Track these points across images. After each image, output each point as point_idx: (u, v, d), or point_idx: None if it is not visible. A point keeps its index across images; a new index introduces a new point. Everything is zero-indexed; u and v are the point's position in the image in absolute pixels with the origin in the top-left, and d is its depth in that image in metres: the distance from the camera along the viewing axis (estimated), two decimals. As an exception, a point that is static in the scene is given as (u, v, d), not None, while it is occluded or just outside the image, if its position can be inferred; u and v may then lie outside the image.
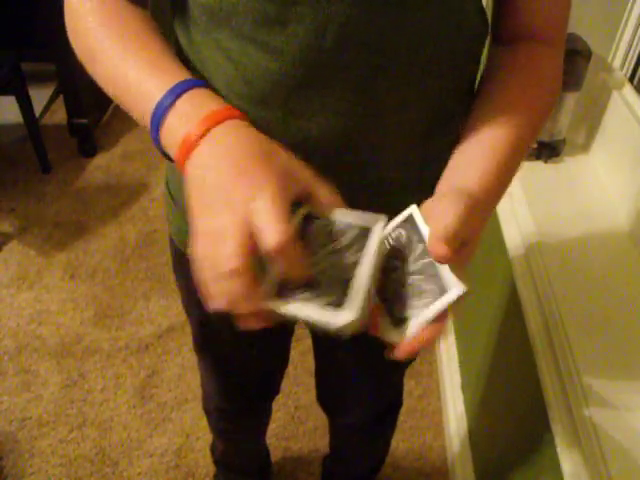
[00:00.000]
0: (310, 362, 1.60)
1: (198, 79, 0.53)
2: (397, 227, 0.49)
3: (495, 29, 0.64)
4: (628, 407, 0.71)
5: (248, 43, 0.54)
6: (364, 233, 0.47)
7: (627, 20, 1.00)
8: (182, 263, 0.83)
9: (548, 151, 1.05)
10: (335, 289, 0.45)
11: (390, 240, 0.49)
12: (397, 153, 0.61)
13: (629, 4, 0.98)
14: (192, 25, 0.58)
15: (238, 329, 0.95)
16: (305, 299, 0.45)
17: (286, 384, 1.63)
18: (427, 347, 0.47)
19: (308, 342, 0.98)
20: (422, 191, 0.56)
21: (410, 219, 0.49)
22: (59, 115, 2.60)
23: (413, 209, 0.49)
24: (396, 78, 0.55)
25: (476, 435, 1.39)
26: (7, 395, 1.61)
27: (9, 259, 1.99)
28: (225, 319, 0.87)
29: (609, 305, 0.82)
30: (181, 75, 0.52)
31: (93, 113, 2.42)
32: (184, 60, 0.60)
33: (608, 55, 1.04)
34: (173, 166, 0.74)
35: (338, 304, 0.44)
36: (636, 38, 1.00)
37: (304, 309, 0.44)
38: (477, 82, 0.65)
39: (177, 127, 0.49)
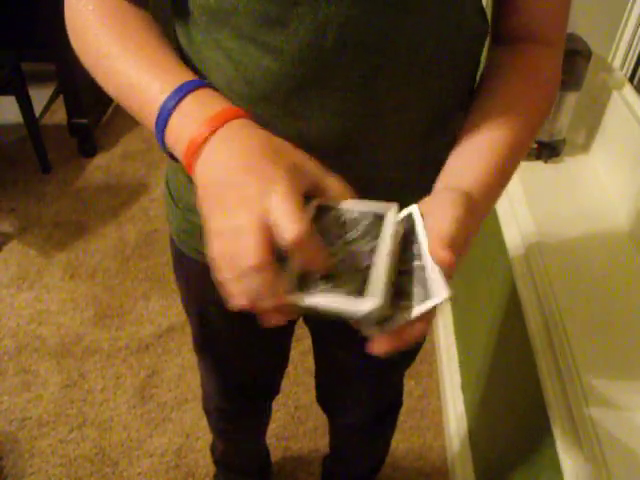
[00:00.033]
0: (310, 362, 1.60)
1: (202, 79, 0.53)
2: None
3: (494, 29, 0.64)
4: (628, 407, 0.71)
5: (248, 43, 0.54)
6: (378, 220, 0.47)
7: (627, 20, 1.00)
8: (182, 263, 0.83)
9: (548, 151, 1.05)
10: (354, 278, 0.45)
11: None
12: (397, 153, 0.61)
13: (629, 4, 0.98)
14: (192, 25, 0.58)
15: (239, 330, 0.94)
16: (326, 290, 0.45)
17: (286, 384, 1.63)
18: (407, 346, 0.46)
19: (308, 342, 0.98)
20: (422, 191, 0.56)
21: (409, 218, 0.49)
22: (59, 115, 2.60)
23: (414, 209, 0.49)
24: (396, 78, 0.55)
25: (476, 435, 1.39)
26: (7, 395, 1.61)
27: (9, 259, 1.99)
28: (225, 319, 0.87)
29: (609, 305, 0.82)
30: (185, 75, 0.52)
31: (93, 113, 2.42)
32: (184, 60, 0.60)
33: (608, 55, 1.04)
34: (173, 166, 0.74)
35: (360, 292, 0.44)
36: (636, 38, 1.00)
37: (328, 300, 0.44)
38: (477, 82, 0.65)
39: (183, 128, 0.49)
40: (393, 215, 0.48)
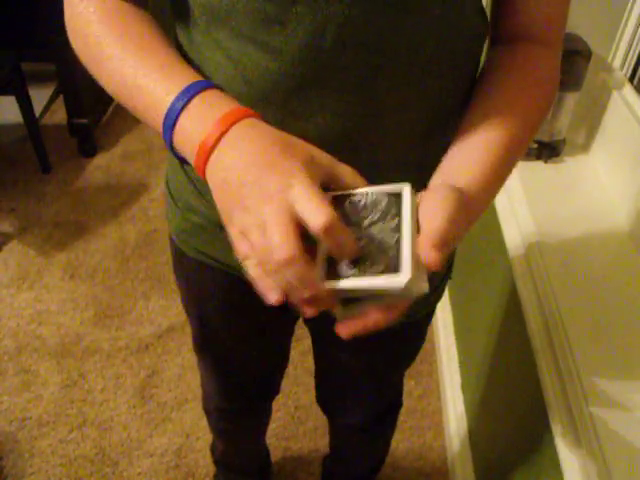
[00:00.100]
0: (310, 362, 1.60)
1: (208, 80, 0.53)
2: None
3: (493, 29, 0.64)
4: (628, 407, 0.71)
5: (248, 43, 0.54)
6: (395, 199, 0.48)
7: (627, 20, 1.00)
8: (182, 263, 0.83)
9: (548, 151, 1.05)
10: (382, 258, 0.46)
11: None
12: (397, 153, 0.61)
13: (629, 4, 0.98)
14: (192, 25, 0.58)
15: (239, 330, 0.94)
16: (358, 274, 0.46)
17: (286, 384, 1.63)
18: (366, 332, 0.47)
19: (308, 342, 0.98)
20: (422, 191, 0.56)
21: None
22: (59, 115, 2.60)
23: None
24: (396, 78, 0.55)
25: (476, 435, 1.39)
26: (7, 395, 1.61)
27: (9, 259, 1.99)
28: (224, 319, 0.87)
29: (609, 305, 0.82)
30: (191, 76, 0.52)
31: (93, 113, 2.42)
32: (184, 60, 0.60)
33: (608, 55, 1.04)
34: (174, 166, 0.74)
35: (392, 270, 0.45)
36: (636, 38, 1.00)
37: (364, 281, 0.45)
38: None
39: (192, 130, 0.49)
40: (409, 191, 0.49)
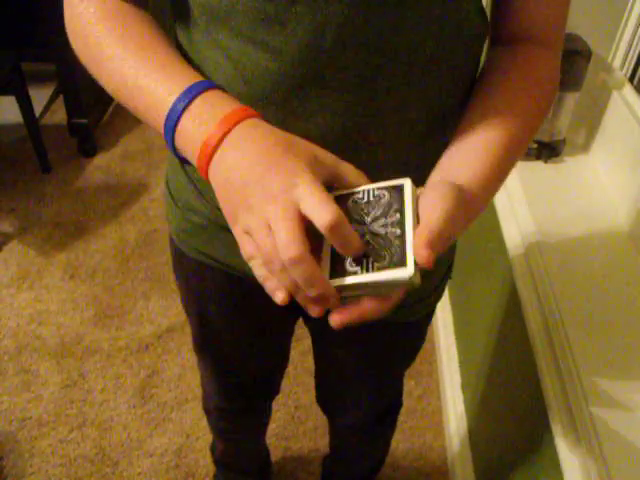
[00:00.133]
0: (310, 362, 1.60)
1: (210, 80, 0.53)
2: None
3: (493, 30, 0.64)
4: (628, 407, 0.71)
5: (247, 43, 0.54)
6: (397, 194, 0.49)
7: (627, 20, 1.00)
8: (182, 263, 0.83)
9: (548, 151, 1.05)
10: (386, 253, 0.46)
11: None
12: (396, 153, 0.61)
13: (629, 4, 0.98)
14: (192, 25, 0.58)
15: (239, 329, 0.94)
16: (364, 269, 0.46)
17: (286, 384, 1.63)
18: (360, 322, 0.48)
19: (308, 342, 0.98)
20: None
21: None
22: (59, 115, 2.60)
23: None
24: (396, 78, 0.55)
25: (476, 435, 1.39)
26: (7, 395, 1.61)
27: (9, 259, 1.99)
28: (224, 319, 0.87)
29: (609, 305, 0.82)
30: (192, 77, 0.52)
31: (93, 113, 2.42)
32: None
33: (608, 55, 1.04)
34: (174, 166, 0.74)
35: (397, 264, 0.45)
36: (636, 38, 1.00)
37: (370, 276, 0.46)
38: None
39: (194, 131, 0.49)
40: (410, 184, 0.49)
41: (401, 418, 1.19)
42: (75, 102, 2.30)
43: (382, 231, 0.47)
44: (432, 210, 0.47)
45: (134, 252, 2.03)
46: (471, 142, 0.56)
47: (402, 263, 0.45)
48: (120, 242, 2.07)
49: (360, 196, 0.50)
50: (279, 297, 0.47)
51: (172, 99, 0.50)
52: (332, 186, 0.50)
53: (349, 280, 0.46)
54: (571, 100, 1.00)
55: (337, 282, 0.46)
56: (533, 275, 0.89)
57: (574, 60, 0.95)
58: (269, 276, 0.47)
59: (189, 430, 1.55)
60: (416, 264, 0.45)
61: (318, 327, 0.90)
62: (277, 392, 1.12)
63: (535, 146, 1.05)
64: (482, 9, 0.61)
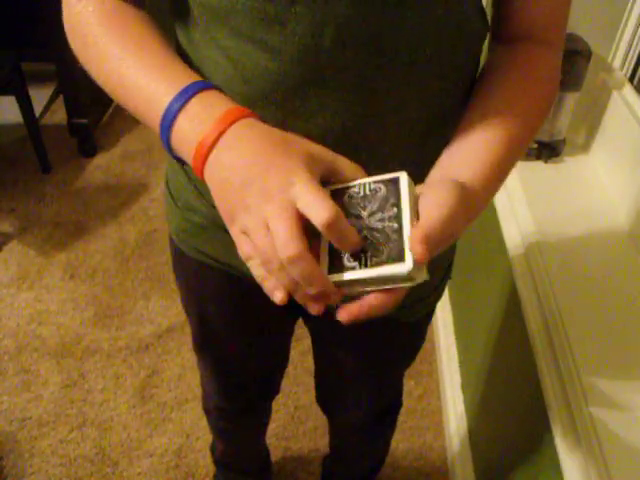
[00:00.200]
0: (310, 362, 1.60)
1: (206, 80, 0.53)
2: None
3: (494, 29, 0.64)
4: (628, 407, 0.71)
5: (247, 42, 0.54)
6: (393, 188, 0.49)
7: (627, 20, 1.00)
8: (182, 262, 0.83)
9: (548, 151, 1.05)
10: (384, 247, 0.46)
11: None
12: (396, 152, 0.61)
13: (629, 4, 0.98)
14: (191, 24, 0.58)
15: (238, 329, 0.94)
16: (362, 265, 0.46)
17: (286, 384, 1.63)
18: (366, 317, 0.48)
19: (308, 342, 0.98)
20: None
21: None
22: (59, 115, 2.60)
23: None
24: (396, 78, 0.55)
25: (476, 435, 1.39)
26: (7, 395, 1.61)
27: (9, 259, 1.99)
28: (224, 318, 0.87)
29: (609, 305, 0.82)
30: (189, 77, 0.52)
31: (93, 113, 2.42)
32: (183, 60, 0.60)
33: (608, 55, 1.04)
34: (173, 166, 0.74)
35: (395, 258, 0.45)
36: (636, 38, 1.00)
37: (368, 271, 0.46)
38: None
39: (190, 131, 0.49)
40: (406, 177, 0.49)
41: (401, 418, 1.19)
42: (75, 102, 2.30)
43: (379, 225, 0.47)
44: (433, 207, 0.47)
45: (134, 252, 2.03)
46: (471, 141, 0.56)
47: (400, 258, 0.45)
48: (120, 242, 2.07)
49: (356, 190, 0.49)
50: (278, 297, 0.47)
51: (168, 99, 0.50)
52: (328, 181, 0.50)
53: (348, 276, 0.46)
54: (571, 100, 1.00)
55: (336, 278, 0.46)
56: (533, 275, 0.89)
57: (574, 60, 0.95)
58: (267, 276, 0.47)
59: (189, 430, 1.55)
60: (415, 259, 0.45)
61: (318, 327, 0.90)
62: (277, 392, 1.12)
63: (535, 146, 1.05)
64: (482, 9, 0.61)
